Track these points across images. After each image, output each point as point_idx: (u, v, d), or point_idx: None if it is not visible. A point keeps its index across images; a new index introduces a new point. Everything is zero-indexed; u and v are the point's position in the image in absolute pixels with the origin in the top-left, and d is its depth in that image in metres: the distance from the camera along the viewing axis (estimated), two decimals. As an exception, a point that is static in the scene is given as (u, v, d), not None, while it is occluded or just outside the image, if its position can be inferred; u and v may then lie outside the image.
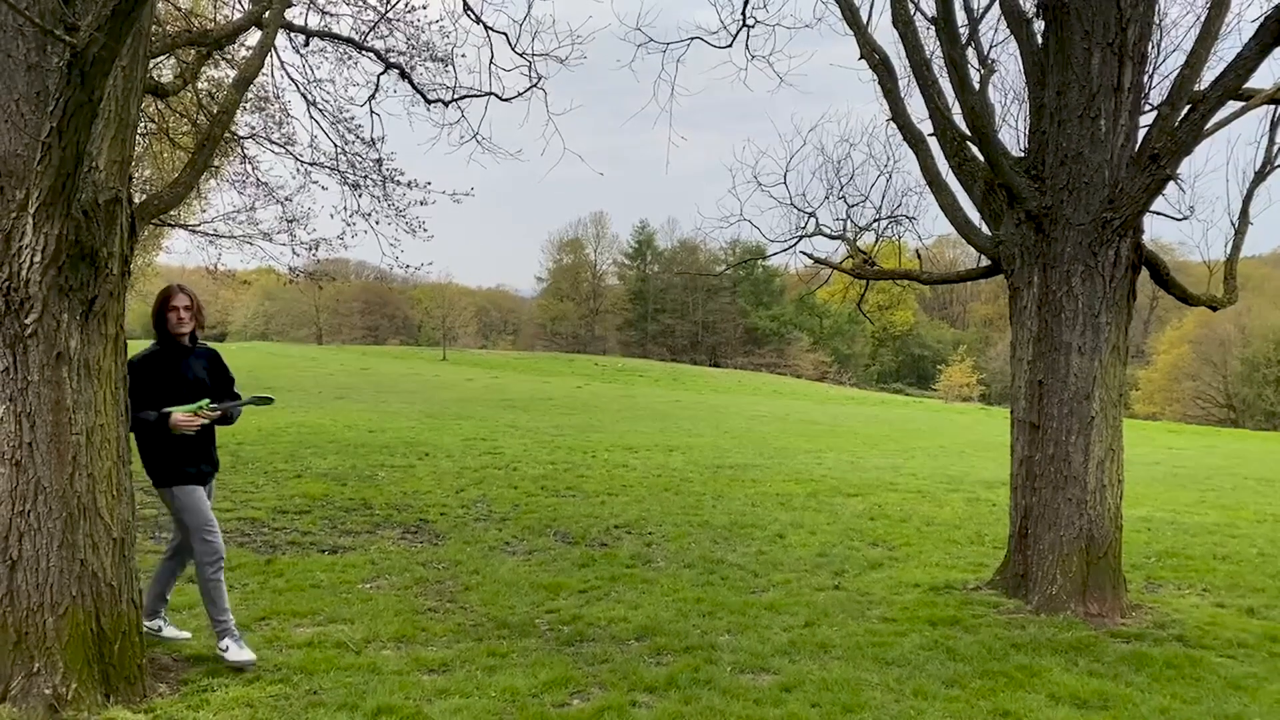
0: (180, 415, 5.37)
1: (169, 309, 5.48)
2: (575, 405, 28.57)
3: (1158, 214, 7.98)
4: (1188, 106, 6.82)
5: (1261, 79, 7.18)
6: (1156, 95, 7.83)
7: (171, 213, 12.14)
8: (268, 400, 5.93)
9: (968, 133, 7.54)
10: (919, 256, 9.47)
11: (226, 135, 10.40)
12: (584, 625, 6.45)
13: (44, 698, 4.45)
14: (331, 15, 11.23)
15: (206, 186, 15.43)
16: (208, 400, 5.48)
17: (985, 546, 9.61)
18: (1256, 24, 6.39)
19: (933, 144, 8.07)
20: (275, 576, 7.37)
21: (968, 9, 8.28)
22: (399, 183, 12.79)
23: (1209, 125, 6.92)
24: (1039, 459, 7.24)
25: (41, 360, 4.50)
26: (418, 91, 11.33)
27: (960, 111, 7.42)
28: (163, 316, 5.50)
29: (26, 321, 4.45)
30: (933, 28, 7.47)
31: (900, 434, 24.80)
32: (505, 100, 10.64)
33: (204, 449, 5.61)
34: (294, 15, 10.48)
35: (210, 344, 5.87)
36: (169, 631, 5.71)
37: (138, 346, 5.47)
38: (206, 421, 5.49)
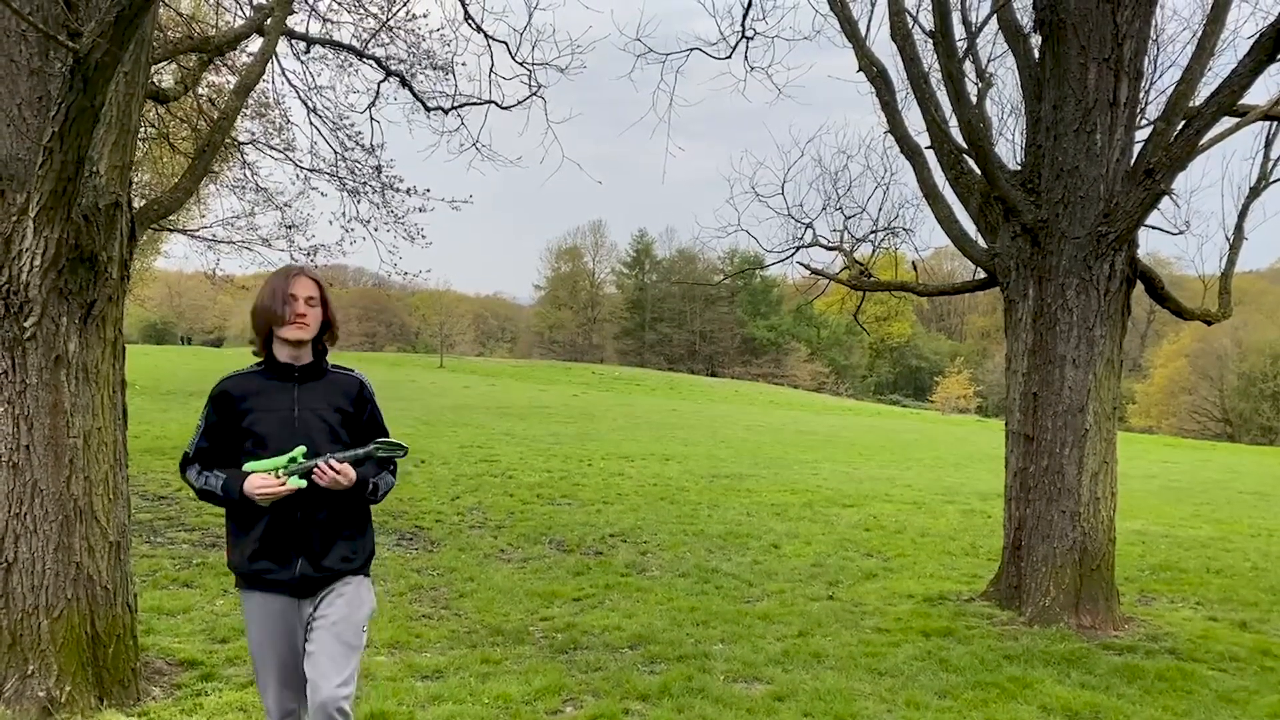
0: (259, 478, 3.25)
1: (286, 298, 3.36)
2: (572, 413, 28.57)
3: (1153, 228, 8.04)
4: (1183, 122, 6.86)
5: (1256, 95, 7.24)
6: (1153, 110, 7.89)
7: (170, 218, 12.17)
8: (399, 449, 3.41)
9: (965, 146, 7.58)
10: (915, 268, 9.51)
11: (226, 141, 10.43)
12: (578, 633, 6.46)
13: (38, 700, 4.46)
14: (333, 23, 11.27)
15: (206, 192, 15.48)
16: (304, 449, 3.29)
17: (979, 558, 9.63)
18: (1251, 41, 6.43)
19: (930, 157, 8.11)
20: (270, 582, 7.36)
21: (966, 23, 8.35)
22: (398, 189, 12.82)
23: (1204, 141, 6.96)
24: (1033, 471, 7.26)
25: (40, 363, 4.52)
26: (418, 99, 11.37)
27: (957, 124, 7.47)
28: (274, 313, 3.37)
29: (26, 325, 4.47)
30: (930, 41, 7.51)
31: (896, 445, 24.82)
32: (505, 108, 10.69)
33: (295, 532, 3.35)
34: (295, 22, 10.53)
35: (348, 367, 3.63)
36: None
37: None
38: (298, 487, 3.25)
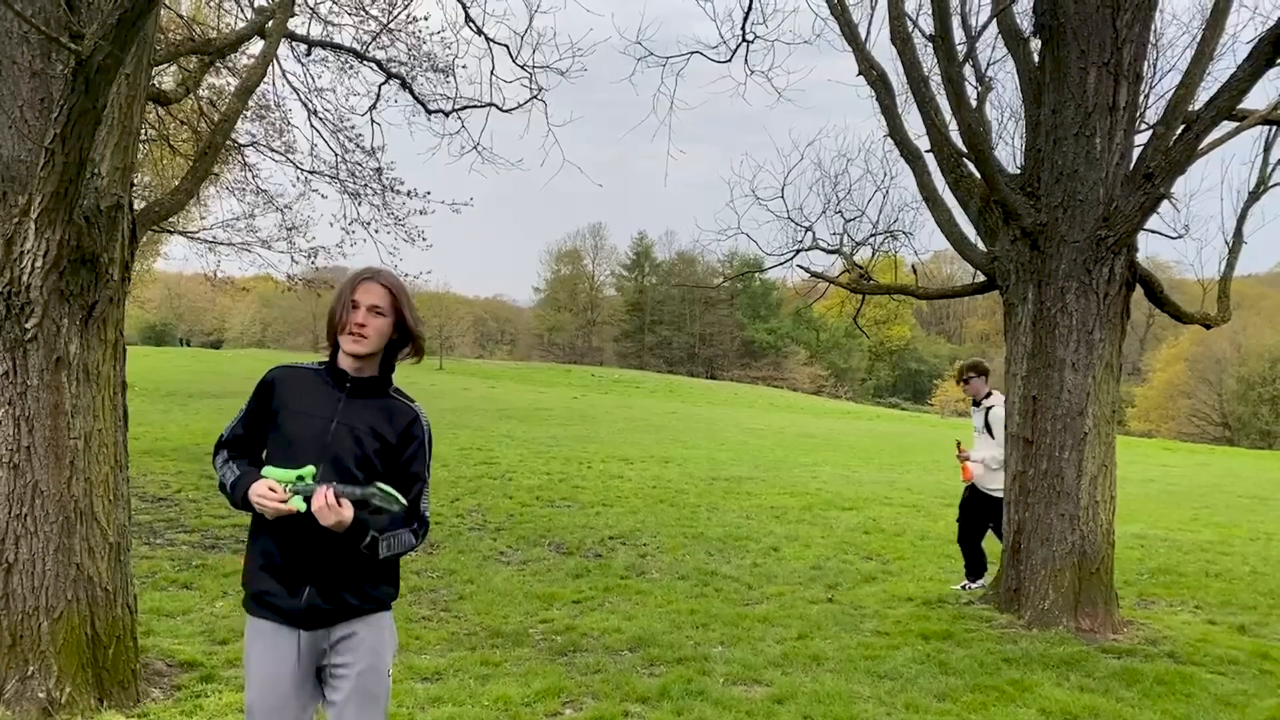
0: (265, 485, 2.88)
1: (348, 303, 3.04)
2: (571, 416, 28.56)
3: (1153, 232, 8.06)
4: (1182, 126, 6.88)
5: (1255, 100, 7.26)
6: (1152, 114, 7.91)
7: (171, 219, 12.18)
8: (395, 502, 2.88)
9: (964, 149, 7.59)
10: (915, 271, 9.52)
11: (227, 143, 10.44)
12: (577, 635, 6.47)
13: (37, 701, 4.46)
14: (334, 25, 11.29)
15: (206, 194, 15.47)
16: (314, 470, 2.93)
17: (979, 561, 9.62)
18: (1250, 45, 6.45)
19: (929, 160, 8.13)
20: (269, 583, 7.36)
21: (966, 27, 8.36)
22: (398, 192, 12.84)
23: (1203, 145, 6.98)
24: (1032, 474, 7.27)
25: (41, 365, 4.52)
26: (418, 102, 11.38)
27: (957, 128, 7.48)
28: (334, 319, 3.08)
29: (27, 326, 4.47)
30: (930, 45, 7.53)
31: (895, 448, 24.82)
32: (505, 111, 10.70)
33: (306, 555, 2.96)
34: (296, 25, 10.53)
35: (411, 396, 3.24)
36: None
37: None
38: (297, 509, 2.86)
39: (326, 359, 3.14)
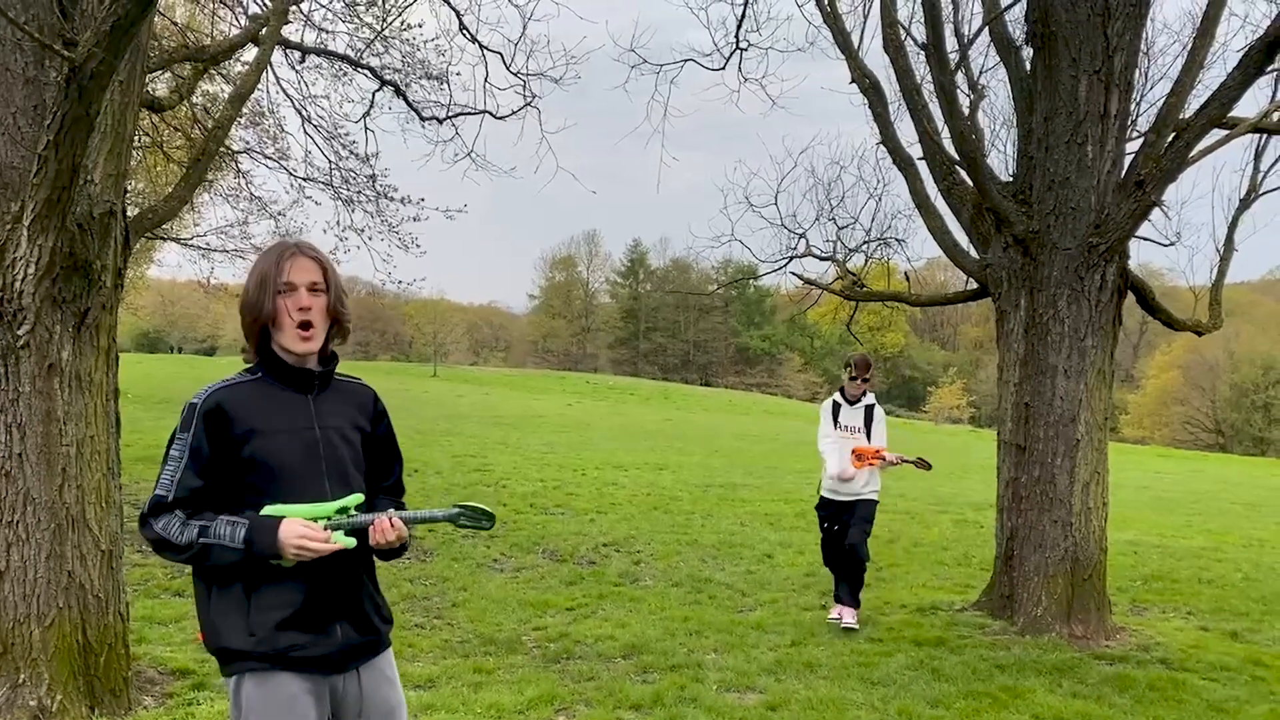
0: (302, 525, 2.44)
1: (281, 287, 2.55)
2: (566, 423, 28.55)
3: (1144, 239, 8.09)
4: (1173, 134, 6.91)
5: (1245, 108, 7.32)
6: (1143, 122, 7.96)
7: (164, 226, 12.16)
8: (486, 518, 2.69)
9: (957, 157, 7.62)
10: (908, 279, 9.55)
11: (221, 150, 10.43)
12: (571, 643, 6.46)
13: (29, 709, 4.44)
14: (328, 32, 11.27)
15: (200, 200, 15.46)
16: (359, 498, 2.60)
17: (972, 568, 9.64)
18: (1240, 54, 6.49)
19: (922, 168, 8.16)
20: (262, 591, 7.34)
21: (958, 35, 8.42)
22: (392, 199, 12.80)
23: (1194, 152, 7.02)
24: (1025, 481, 7.28)
25: (33, 371, 4.52)
26: (412, 109, 11.38)
27: (949, 136, 7.51)
28: (263, 309, 2.56)
29: (19, 333, 4.47)
30: (923, 53, 7.56)
31: (890, 455, 24.82)
32: (499, 118, 10.71)
33: (336, 591, 2.57)
34: (290, 32, 10.52)
35: (352, 377, 2.83)
36: None
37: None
38: (344, 546, 2.48)
39: (254, 363, 2.62)
